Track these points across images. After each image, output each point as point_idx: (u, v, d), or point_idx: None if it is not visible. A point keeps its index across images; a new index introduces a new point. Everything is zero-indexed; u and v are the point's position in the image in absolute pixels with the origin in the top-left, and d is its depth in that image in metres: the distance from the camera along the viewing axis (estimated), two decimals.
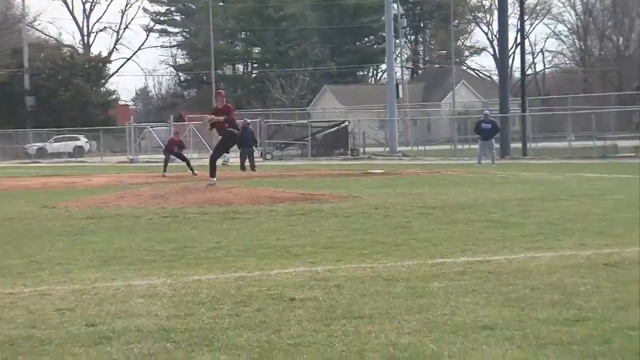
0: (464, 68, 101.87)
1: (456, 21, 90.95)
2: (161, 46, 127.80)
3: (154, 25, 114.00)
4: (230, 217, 15.90)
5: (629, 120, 50.06)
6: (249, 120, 39.36)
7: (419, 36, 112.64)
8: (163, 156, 37.04)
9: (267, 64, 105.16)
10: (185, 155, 36.43)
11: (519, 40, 73.21)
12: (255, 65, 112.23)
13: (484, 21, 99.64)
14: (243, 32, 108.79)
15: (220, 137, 21.67)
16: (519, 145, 46.58)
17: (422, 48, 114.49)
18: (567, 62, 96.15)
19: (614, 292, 8.09)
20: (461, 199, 18.64)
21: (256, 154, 44.75)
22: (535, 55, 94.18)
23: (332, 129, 53.18)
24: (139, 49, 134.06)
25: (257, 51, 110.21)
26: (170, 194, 19.74)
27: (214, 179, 21.06)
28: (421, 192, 21.24)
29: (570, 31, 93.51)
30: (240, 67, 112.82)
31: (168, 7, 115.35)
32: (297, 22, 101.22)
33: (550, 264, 9.84)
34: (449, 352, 6.17)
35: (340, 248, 11.56)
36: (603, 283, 8.55)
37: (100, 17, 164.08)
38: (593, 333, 6.57)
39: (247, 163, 36.66)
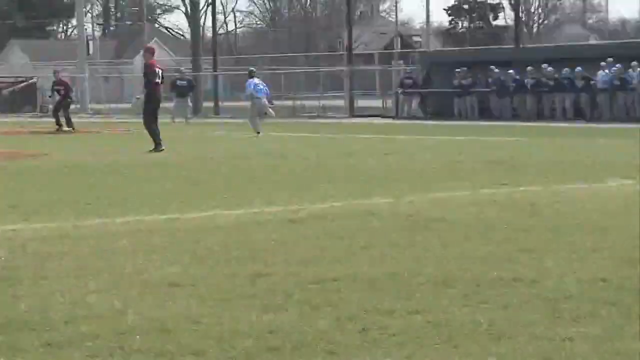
0: (157, 26, 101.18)
1: None
2: None
3: None
4: None
5: (317, 81, 51.64)
6: None
7: None
8: None
9: None
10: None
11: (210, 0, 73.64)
12: None
13: None
14: None
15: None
16: (212, 104, 46.99)
17: (113, 4, 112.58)
18: (258, 22, 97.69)
19: (296, 248, 8.38)
20: (155, 157, 18.71)
21: None
22: (227, 15, 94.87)
23: (20, 85, 51.43)
24: None
25: None
26: None
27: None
28: (109, 150, 21.07)
29: None
30: None
31: None
32: None
33: (238, 220, 10.04)
34: (134, 309, 6.18)
35: (23, 208, 11.22)
36: (287, 239, 8.83)
37: None
38: (275, 287, 6.78)
39: None
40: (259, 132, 26.81)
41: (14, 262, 7.80)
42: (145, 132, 20.90)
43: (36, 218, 10.33)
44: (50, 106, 35.67)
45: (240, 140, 25.12)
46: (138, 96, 22.99)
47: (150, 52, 22.11)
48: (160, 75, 20.97)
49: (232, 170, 15.90)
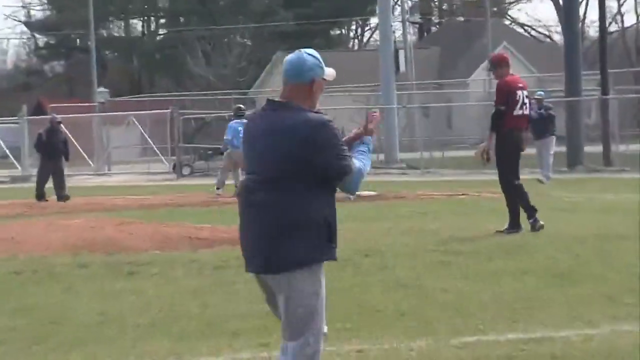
0: (507, 23, 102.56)
1: None
2: None
3: None
4: (126, 271, 15.93)
5: None
6: (59, 117, 36.28)
7: None
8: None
9: (181, 19, 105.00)
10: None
11: None
12: (163, 21, 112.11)
13: None
14: None
15: None
16: (599, 148, 46.71)
17: None
18: None
19: None
20: (504, 239, 18.81)
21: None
22: (622, 2, 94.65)
23: None
24: None
25: None
26: (26, 233, 19.72)
27: None
28: (438, 227, 21.36)
29: None
30: (138, 25, 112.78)
31: None
32: None
33: None
34: None
35: None
36: None
37: None
38: None
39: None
40: (218, 189, 32.59)
41: None
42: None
43: None
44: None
45: None
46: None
47: (499, 63, 21.16)
48: (522, 98, 20.06)
49: (630, 259, 15.71)
